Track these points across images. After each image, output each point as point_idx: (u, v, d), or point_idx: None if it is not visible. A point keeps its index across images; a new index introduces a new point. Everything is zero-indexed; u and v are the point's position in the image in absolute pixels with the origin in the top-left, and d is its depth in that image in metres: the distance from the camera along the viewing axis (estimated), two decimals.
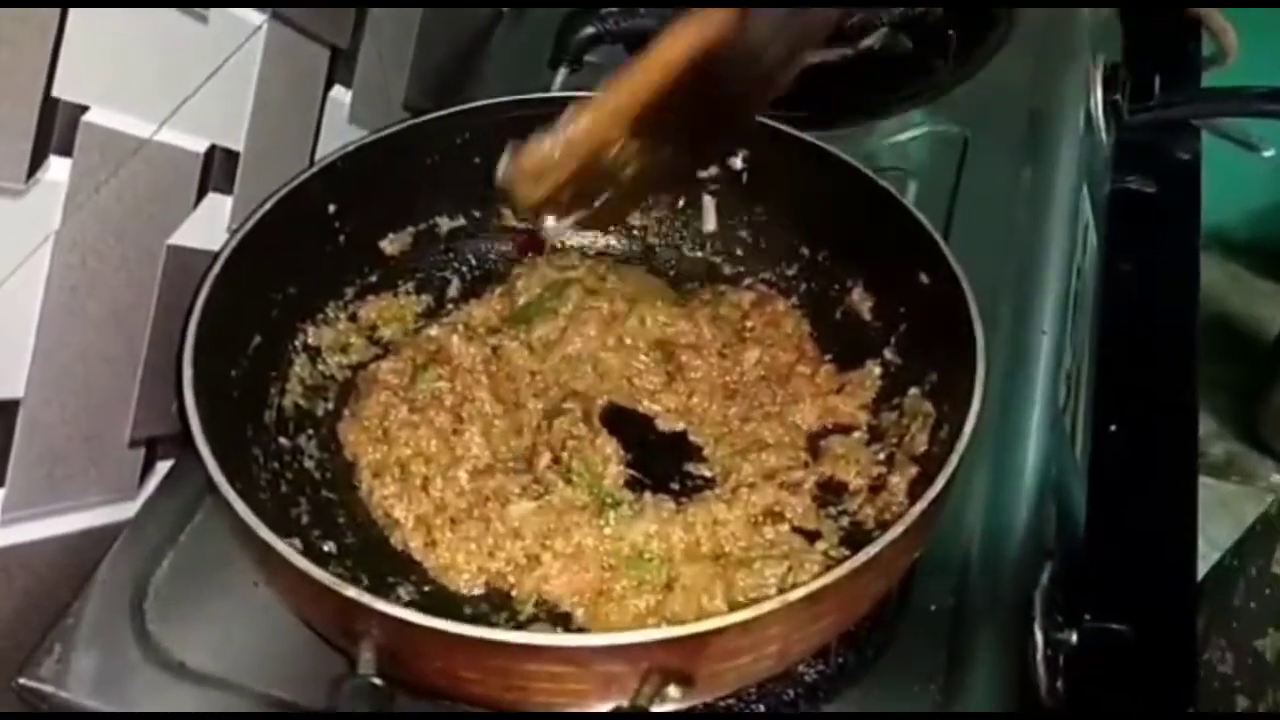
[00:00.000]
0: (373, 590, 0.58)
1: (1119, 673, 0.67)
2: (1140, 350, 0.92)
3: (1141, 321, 0.94)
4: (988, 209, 0.81)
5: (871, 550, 0.49)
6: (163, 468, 0.69)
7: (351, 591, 0.49)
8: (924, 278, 0.64)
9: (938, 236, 0.63)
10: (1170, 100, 1.04)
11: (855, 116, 0.88)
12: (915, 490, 0.61)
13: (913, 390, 0.65)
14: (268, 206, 0.64)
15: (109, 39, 0.59)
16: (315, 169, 0.67)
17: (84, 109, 0.59)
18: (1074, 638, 0.66)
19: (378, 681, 0.48)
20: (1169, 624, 0.70)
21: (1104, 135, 0.95)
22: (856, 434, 0.66)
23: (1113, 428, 0.90)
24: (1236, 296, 1.96)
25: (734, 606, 0.58)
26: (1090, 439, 0.86)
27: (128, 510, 0.67)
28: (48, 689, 0.60)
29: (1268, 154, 1.05)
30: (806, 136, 0.69)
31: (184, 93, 0.66)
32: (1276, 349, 1.76)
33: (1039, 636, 0.64)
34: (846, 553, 0.61)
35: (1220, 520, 1.82)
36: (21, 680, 0.61)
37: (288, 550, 0.51)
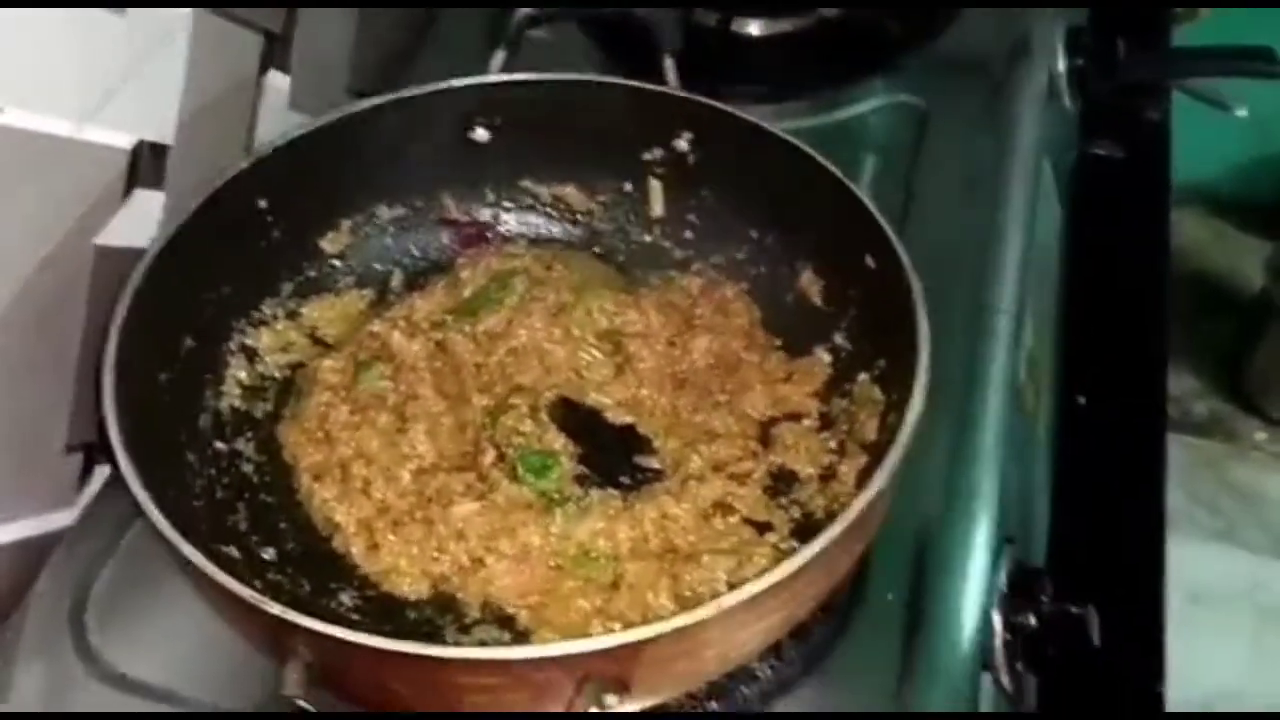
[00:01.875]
0: (314, 596, 0.59)
1: (1080, 656, 0.66)
2: (1108, 321, 0.91)
3: (1109, 292, 0.92)
4: (947, 184, 0.79)
5: (807, 553, 0.48)
6: (102, 473, 0.68)
7: (275, 609, 0.48)
8: (870, 262, 0.62)
9: (882, 220, 0.61)
10: (1139, 61, 1.02)
11: (814, 88, 0.86)
12: (863, 480, 0.59)
13: (862, 376, 0.63)
14: (194, 206, 0.63)
15: (21, 39, 0.58)
16: (244, 164, 0.65)
17: None
18: (1033, 620, 0.65)
19: (304, 705, 0.47)
20: (1134, 605, 0.69)
21: (1068, 101, 0.93)
22: (807, 422, 0.65)
23: (1080, 400, 0.89)
24: (1219, 253, 1.94)
25: (681, 603, 0.58)
26: (1056, 414, 0.85)
27: (67, 518, 0.66)
28: None
29: (1241, 113, 1.03)
30: (751, 117, 0.67)
31: (106, 88, 0.64)
32: (1260, 305, 1.75)
33: (998, 621, 0.63)
34: (796, 545, 0.59)
35: (1204, 479, 1.82)
36: None
37: (208, 565, 0.49)
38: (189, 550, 0.49)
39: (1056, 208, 0.92)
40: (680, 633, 0.47)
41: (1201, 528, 1.69)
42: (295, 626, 0.48)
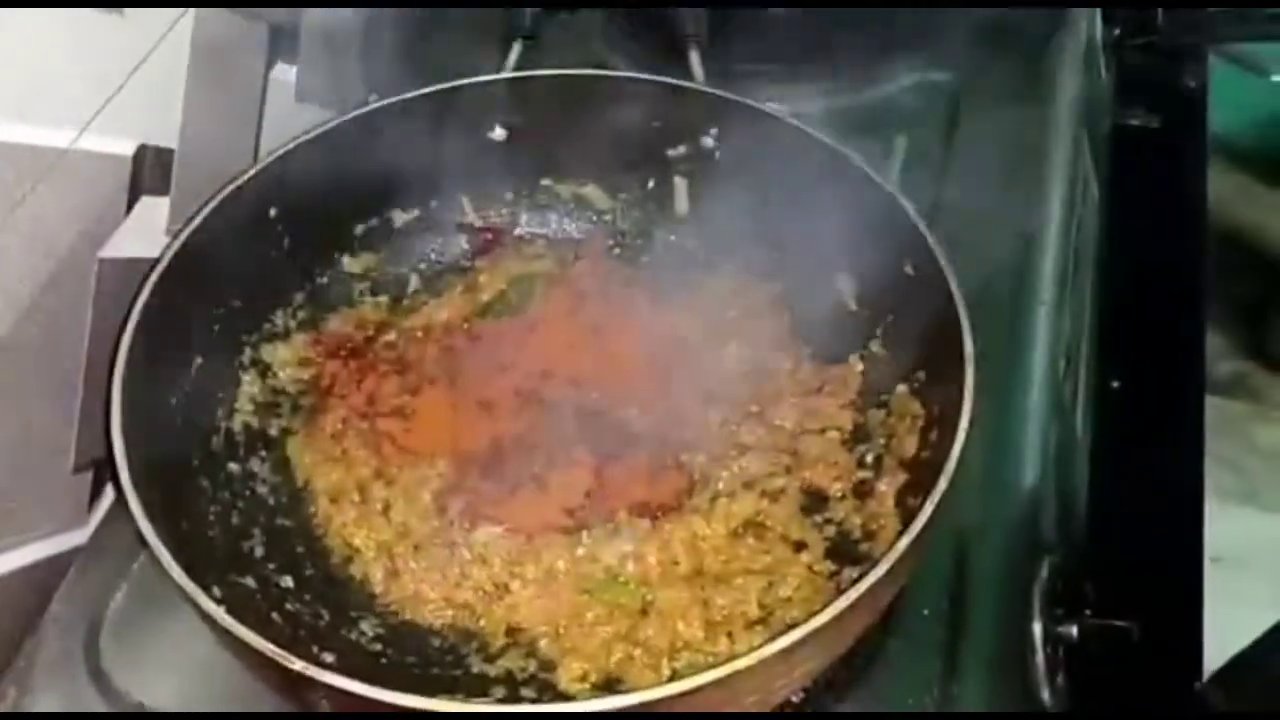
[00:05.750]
0: (334, 627, 0.57)
1: (1122, 670, 0.65)
2: (1144, 301, 0.88)
3: (1146, 268, 0.90)
4: (982, 167, 0.76)
5: (841, 604, 0.46)
6: (113, 491, 0.66)
7: (298, 665, 0.46)
8: (909, 269, 0.59)
9: (922, 225, 0.58)
10: (1178, 26, 0.99)
11: (838, 67, 0.83)
12: (902, 499, 0.58)
13: (900, 388, 0.61)
14: (200, 218, 0.60)
15: (16, 49, 0.55)
16: (251, 173, 0.62)
17: None
18: (1075, 633, 0.63)
19: None
20: (1174, 618, 0.67)
21: (1103, 72, 0.90)
22: (840, 435, 0.62)
23: (1114, 384, 0.86)
24: (1243, 207, 1.89)
25: (711, 629, 0.56)
26: (1093, 400, 0.83)
27: (79, 538, 0.64)
28: None
29: (1277, 78, 1.00)
30: (780, 112, 0.64)
31: (105, 93, 0.61)
32: None
33: (1038, 634, 0.61)
34: (832, 566, 0.57)
35: (1227, 440, 1.79)
36: None
37: (226, 618, 0.47)
38: (210, 607, 0.47)
39: (1094, 183, 0.89)
40: (683, 697, 0.45)
41: (1224, 489, 1.66)
42: (314, 681, 0.46)
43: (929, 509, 0.50)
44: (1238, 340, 1.79)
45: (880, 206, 0.61)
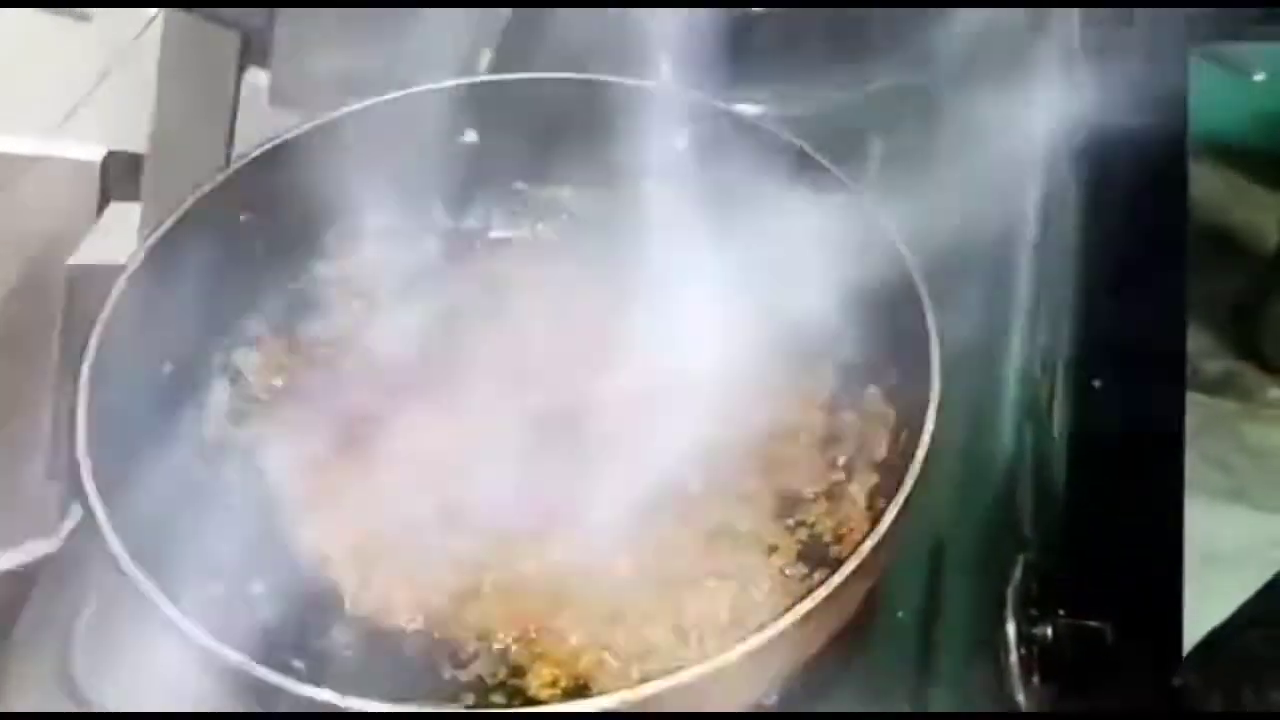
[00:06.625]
0: (305, 635, 0.57)
1: (1098, 671, 0.65)
2: (1123, 302, 0.88)
3: (1124, 270, 0.90)
4: (959, 170, 0.75)
5: (806, 606, 0.46)
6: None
7: (269, 674, 0.46)
8: (880, 272, 0.59)
9: (894, 229, 0.58)
10: (1155, 27, 0.98)
11: (808, 70, 0.82)
12: (873, 501, 0.58)
13: (871, 390, 0.61)
14: (170, 224, 0.60)
15: None
16: (222, 178, 0.62)
17: None
18: (1049, 633, 0.63)
19: None
20: (1152, 618, 0.67)
21: (1082, 73, 0.90)
22: (812, 438, 0.62)
23: (1095, 383, 0.86)
24: (1233, 205, 1.90)
25: (680, 635, 0.56)
26: (1072, 400, 0.83)
27: (50, 546, 0.64)
28: None
29: (1258, 78, 1.00)
30: (753, 115, 0.64)
31: (73, 98, 0.61)
32: (1275, 260, 1.71)
33: (1012, 634, 0.61)
34: (804, 569, 0.58)
35: (1216, 438, 1.80)
36: None
37: (193, 628, 0.47)
38: (178, 617, 0.48)
39: (1072, 183, 0.89)
40: (689, 686, 0.46)
41: (1213, 487, 1.67)
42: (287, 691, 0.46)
43: (893, 511, 0.50)
44: (1225, 338, 1.80)
45: (853, 211, 0.61)
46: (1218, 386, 1.77)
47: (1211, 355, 1.79)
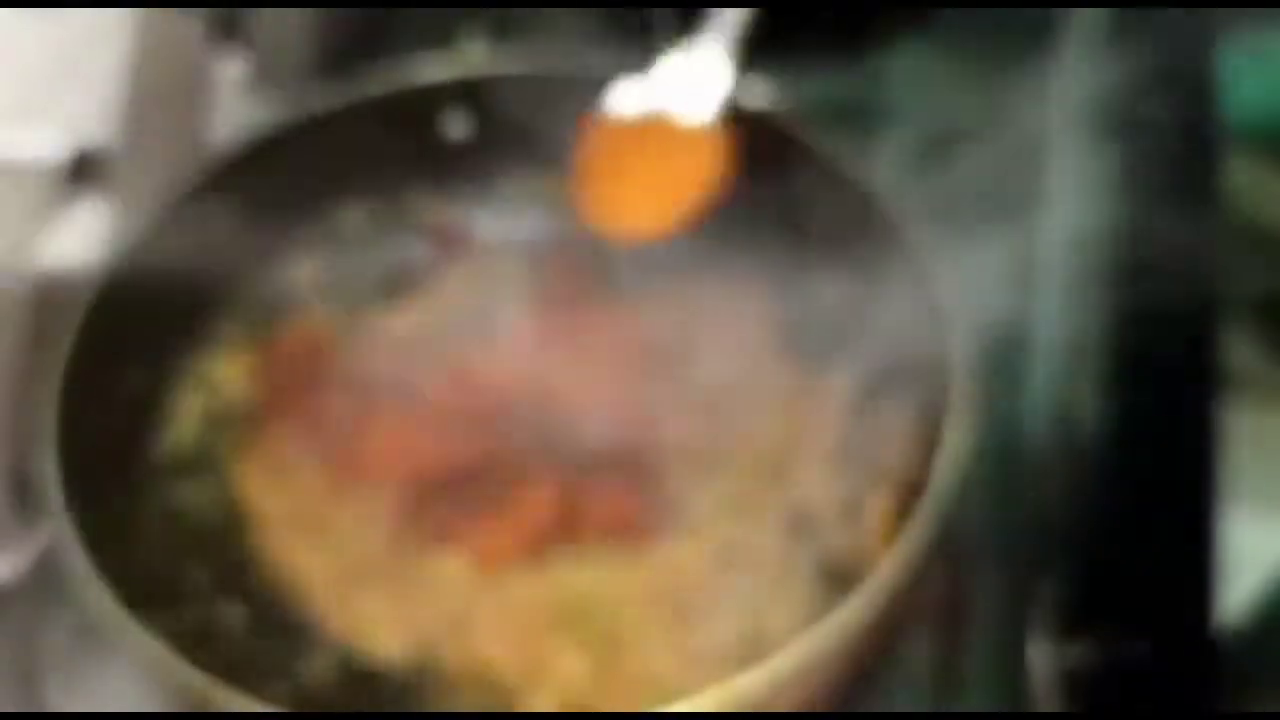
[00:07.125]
0: (284, 664, 0.53)
1: (1128, 693, 0.61)
2: (1155, 307, 0.85)
3: (1156, 274, 0.86)
4: (982, 163, 0.72)
5: (824, 632, 0.43)
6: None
7: (246, 704, 0.43)
8: (898, 274, 0.56)
9: (912, 228, 0.55)
10: (1187, 17, 0.95)
11: (823, 50, 0.79)
12: (891, 518, 0.54)
13: (888, 401, 0.57)
14: (140, 223, 0.57)
15: None
16: (194, 176, 0.59)
17: None
18: (1078, 655, 0.60)
19: None
20: (1186, 637, 0.63)
21: (1112, 59, 0.87)
22: (826, 452, 0.59)
23: (1124, 391, 0.83)
24: (1260, 197, 1.86)
25: (687, 665, 0.52)
26: (1101, 410, 0.80)
27: (18, 562, 0.60)
28: None
29: None
30: (757, 109, 0.61)
31: (37, 96, 0.57)
32: None
33: (1040, 655, 0.58)
34: (819, 590, 0.54)
35: (1237, 439, 1.75)
36: None
37: (165, 653, 0.45)
38: (149, 642, 0.45)
39: (1101, 177, 0.86)
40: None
41: (1243, 495, 1.63)
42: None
43: (916, 530, 0.47)
44: (1249, 334, 1.76)
45: (867, 207, 0.58)
46: (1248, 387, 1.72)
47: (1242, 354, 1.74)
